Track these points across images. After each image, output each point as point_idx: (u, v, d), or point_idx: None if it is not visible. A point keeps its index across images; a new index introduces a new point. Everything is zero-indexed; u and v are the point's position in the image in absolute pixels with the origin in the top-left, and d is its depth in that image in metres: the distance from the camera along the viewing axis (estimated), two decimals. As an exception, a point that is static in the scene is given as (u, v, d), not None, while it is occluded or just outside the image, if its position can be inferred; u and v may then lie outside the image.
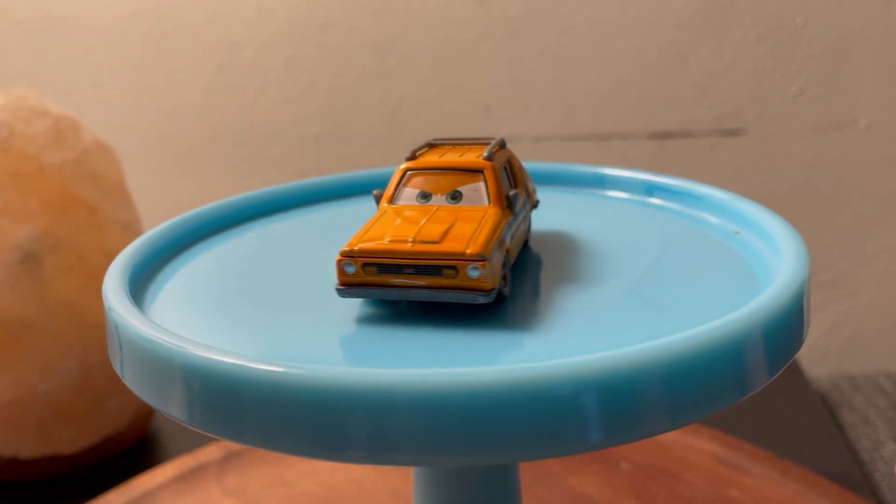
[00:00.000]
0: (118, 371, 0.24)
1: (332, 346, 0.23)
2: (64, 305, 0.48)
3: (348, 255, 0.23)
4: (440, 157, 0.27)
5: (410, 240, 0.23)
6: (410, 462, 0.19)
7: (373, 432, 0.19)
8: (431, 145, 0.29)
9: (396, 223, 0.25)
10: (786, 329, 0.22)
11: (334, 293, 0.25)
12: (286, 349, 0.23)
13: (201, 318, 0.25)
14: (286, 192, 0.35)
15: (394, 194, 0.26)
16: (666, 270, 0.27)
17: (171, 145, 0.73)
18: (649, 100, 0.67)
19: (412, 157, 0.27)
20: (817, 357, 0.69)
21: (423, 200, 0.26)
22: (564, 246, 0.29)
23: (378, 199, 0.27)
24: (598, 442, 0.19)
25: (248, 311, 0.25)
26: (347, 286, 0.24)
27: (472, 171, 0.27)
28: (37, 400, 0.48)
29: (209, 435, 0.21)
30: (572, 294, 0.25)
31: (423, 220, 0.25)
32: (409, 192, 0.26)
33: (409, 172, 0.27)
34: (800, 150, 0.66)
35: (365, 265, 0.23)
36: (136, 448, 0.55)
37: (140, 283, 0.28)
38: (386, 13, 0.68)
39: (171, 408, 0.22)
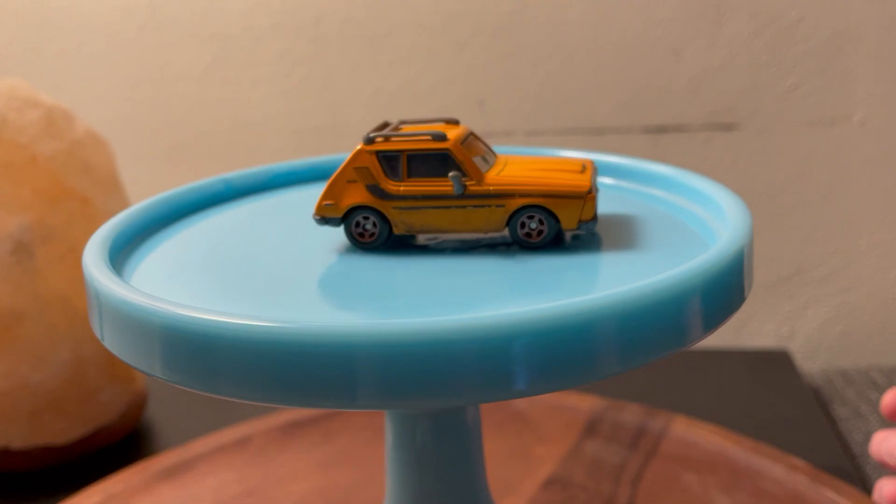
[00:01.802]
0: (98, 335, 0.25)
1: (303, 306, 0.25)
2: (56, 296, 0.48)
3: (590, 193, 0.28)
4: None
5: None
6: (373, 406, 0.21)
7: (338, 380, 0.21)
8: (373, 139, 0.30)
9: (541, 172, 0.29)
10: (723, 287, 0.24)
11: (304, 261, 0.28)
12: (260, 308, 0.25)
13: (179, 285, 0.27)
14: (257, 175, 0.37)
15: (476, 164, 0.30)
16: (617, 239, 0.29)
17: (165, 138, 0.73)
18: (643, 94, 0.67)
19: (441, 138, 0.29)
20: (810, 351, 0.70)
21: (486, 163, 0.30)
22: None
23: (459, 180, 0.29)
24: (547, 385, 0.21)
25: (225, 279, 0.27)
26: (587, 221, 0.28)
27: (476, 135, 0.31)
28: (28, 391, 0.48)
29: (186, 388, 0.23)
30: (534, 255, 0.28)
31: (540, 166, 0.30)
32: (478, 160, 0.29)
33: (462, 146, 0.29)
34: (794, 145, 0.66)
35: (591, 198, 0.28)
36: (128, 439, 0.55)
37: (120, 256, 0.29)
38: (380, 6, 0.68)
39: (149, 365, 0.23)
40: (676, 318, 0.22)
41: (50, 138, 0.50)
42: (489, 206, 0.28)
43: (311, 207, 0.34)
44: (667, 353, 0.22)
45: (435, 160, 0.28)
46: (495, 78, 0.68)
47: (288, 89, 0.70)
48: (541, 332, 0.21)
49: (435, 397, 0.21)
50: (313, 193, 0.36)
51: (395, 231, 0.29)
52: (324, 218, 0.29)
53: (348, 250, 0.29)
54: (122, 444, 0.54)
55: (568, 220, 0.28)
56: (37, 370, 0.48)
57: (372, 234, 0.29)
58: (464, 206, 0.28)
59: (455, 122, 0.31)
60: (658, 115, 0.67)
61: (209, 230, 0.32)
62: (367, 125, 0.70)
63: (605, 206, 0.33)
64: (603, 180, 0.36)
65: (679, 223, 0.30)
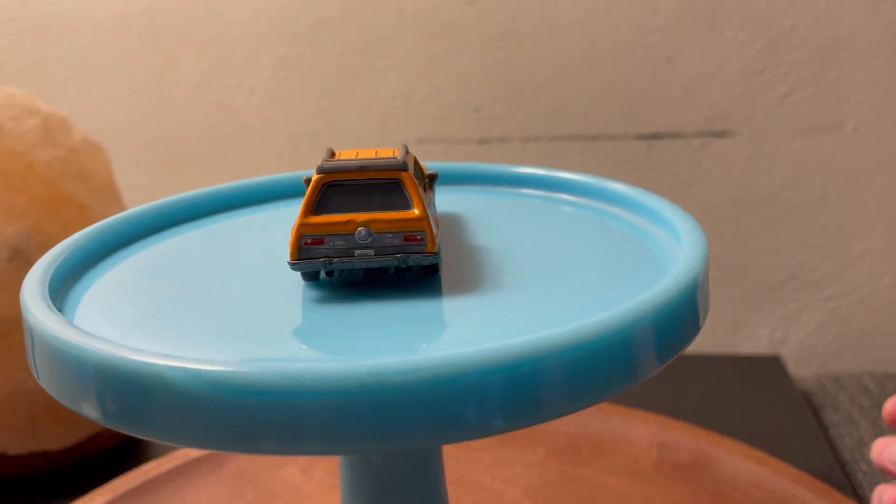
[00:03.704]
0: (34, 373, 0.24)
1: (249, 344, 0.24)
2: (52, 302, 0.48)
3: None
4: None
5: None
6: (320, 451, 0.20)
7: (281, 424, 0.19)
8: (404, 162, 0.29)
9: None
10: (676, 321, 0.23)
11: (254, 294, 0.26)
12: (204, 349, 0.23)
13: (120, 319, 0.25)
14: (210, 195, 0.36)
15: None
16: (575, 262, 0.28)
17: (163, 144, 0.74)
18: (638, 101, 0.67)
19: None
20: (803, 357, 0.70)
21: None
22: (476, 241, 0.30)
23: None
24: (500, 426, 0.20)
25: (169, 314, 0.26)
26: None
27: None
28: (25, 396, 0.48)
29: (121, 431, 0.21)
30: (483, 284, 0.27)
31: None
32: None
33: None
34: (787, 152, 0.67)
35: None
36: (124, 445, 0.55)
37: (63, 287, 0.28)
38: (378, 13, 0.68)
39: (82, 406, 0.22)
40: (629, 353, 0.22)
41: (47, 146, 0.50)
42: None
43: (280, 228, 0.31)
44: (621, 388, 0.22)
45: None
46: (491, 85, 0.68)
47: (285, 95, 0.71)
48: (491, 374, 0.20)
49: (382, 442, 0.20)
50: (276, 214, 0.35)
51: None
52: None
53: (299, 282, 0.28)
54: (118, 449, 0.54)
55: None
56: (33, 376, 0.48)
57: None
58: None
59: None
60: (652, 122, 0.67)
61: (159, 256, 0.31)
62: (364, 132, 0.70)
63: (563, 224, 0.32)
64: (563, 197, 0.36)
65: (637, 243, 0.30)
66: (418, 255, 0.26)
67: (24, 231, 0.48)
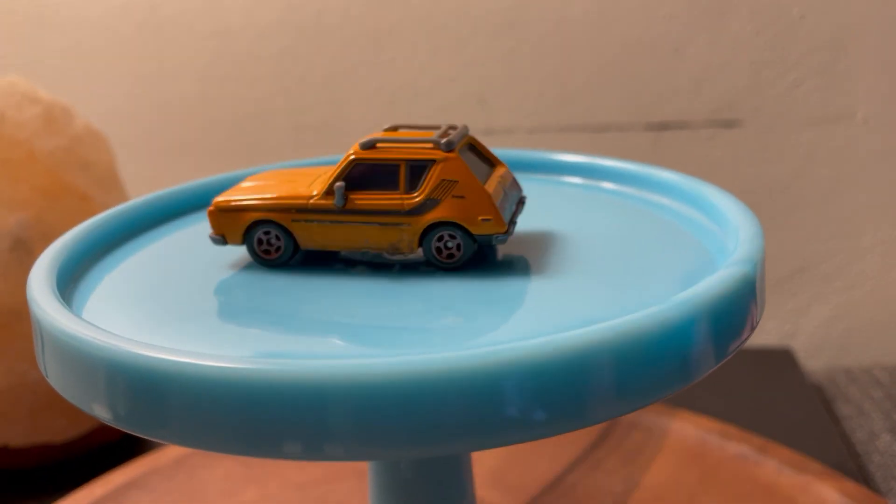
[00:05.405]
0: (43, 371, 0.23)
1: (263, 339, 0.22)
2: (55, 293, 0.48)
3: None
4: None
5: None
6: (347, 456, 0.18)
7: (306, 427, 0.18)
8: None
9: None
10: (732, 315, 0.21)
11: (263, 286, 0.25)
12: (224, 345, 0.22)
13: (132, 316, 0.24)
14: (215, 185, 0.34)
15: None
16: (619, 253, 0.27)
17: (166, 135, 0.73)
18: (645, 91, 0.66)
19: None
20: (813, 349, 0.69)
21: None
22: (518, 231, 0.29)
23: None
24: (543, 430, 0.18)
25: (183, 308, 0.24)
26: None
27: None
28: (28, 388, 0.48)
29: (137, 434, 0.20)
30: (523, 276, 0.25)
31: None
32: None
33: None
34: (797, 143, 0.66)
35: None
36: (128, 437, 0.54)
37: (72, 279, 0.26)
38: (382, 3, 0.67)
39: (93, 407, 0.21)
40: (687, 349, 0.20)
41: (49, 134, 0.49)
42: None
43: None
44: (676, 388, 0.20)
45: None
46: (496, 75, 0.68)
47: (288, 86, 0.70)
48: (533, 372, 0.18)
49: (417, 446, 0.18)
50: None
51: None
52: None
53: (327, 271, 0.26)
54: (122, 441, 0.54)
55: None
56: (36, 368, 0.48)
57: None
58: None
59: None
60: (660, 113, 0.67)
61: (177, 244, 0.30)
62: (368, 123, 0.70)
63: (605, 213, 0.31)
64: (603, 185, 0.34)
65: (685, 235, 0.28)
66: (522, 203, 0.29)
67: (26, 220, 0.47)
